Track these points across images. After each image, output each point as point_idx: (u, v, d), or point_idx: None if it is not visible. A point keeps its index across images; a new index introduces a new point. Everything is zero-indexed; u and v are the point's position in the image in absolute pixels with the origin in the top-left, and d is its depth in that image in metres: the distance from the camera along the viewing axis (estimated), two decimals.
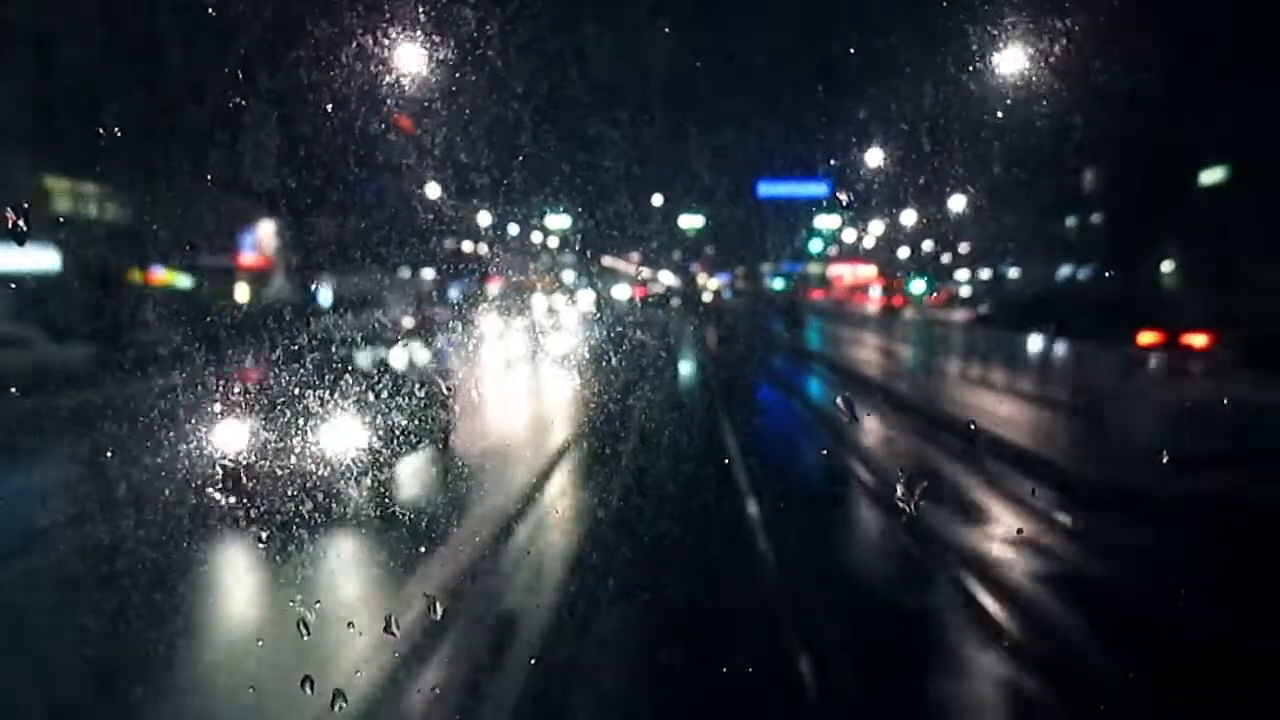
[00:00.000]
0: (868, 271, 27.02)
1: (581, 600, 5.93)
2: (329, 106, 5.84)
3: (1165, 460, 5.96)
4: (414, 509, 6.09)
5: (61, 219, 6.77)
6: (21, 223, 3.82)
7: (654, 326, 13.89)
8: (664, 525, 6.01)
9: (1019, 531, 7.44)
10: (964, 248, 30.64)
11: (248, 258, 8.64)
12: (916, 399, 13.76)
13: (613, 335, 9.02)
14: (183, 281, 7.66)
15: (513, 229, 10.68)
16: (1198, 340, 11.64)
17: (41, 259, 6.91)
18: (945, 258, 32.62)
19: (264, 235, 8.67)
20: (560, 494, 8.51)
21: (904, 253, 29.46)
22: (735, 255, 22.56)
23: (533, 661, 5.05)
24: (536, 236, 11.80)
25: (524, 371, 10.86)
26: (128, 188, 6.51)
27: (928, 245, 29.33)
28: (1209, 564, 5.80)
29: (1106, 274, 17.42)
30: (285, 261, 8.90)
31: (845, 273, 27.08)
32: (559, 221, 11.66)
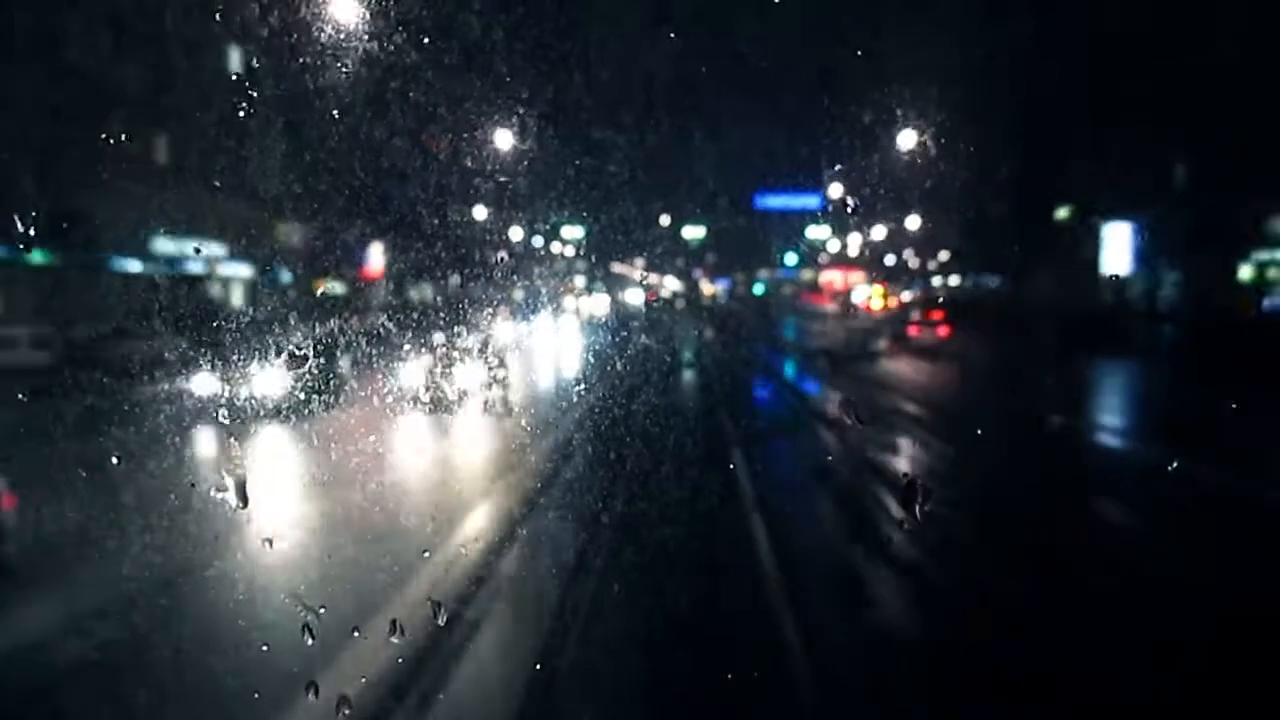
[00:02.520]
0: (856, 277, 30.41)
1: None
2: (416, 155, 8.56)
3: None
4: None
5: (274, 247, 10.87)
6: (29, 230, 4.14)
7: (662, 324, 18.17)
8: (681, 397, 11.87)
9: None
10: (944, 255, 33.55)
11: (369, 271, 12.81)
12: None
13: (630, 328, 12.43)
14: (336, 289, 11.81)
15: (537, 241, 13.46)
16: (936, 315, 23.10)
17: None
18: (931, 265, 35.37)
19: (374, 254, 12.81)
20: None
21: (890, 259, 32.29)
22: (735, 262, 25.31)
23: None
24: (555, 247, 14.15)
25: (558, 350, 14.37)
26: (307, 223, 10.63)
27: (910, 253, 32.20)
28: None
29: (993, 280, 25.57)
30: (388, 273, 12.97)
31: (836, 278, 30.39)
32: (574, 232, 13.42)
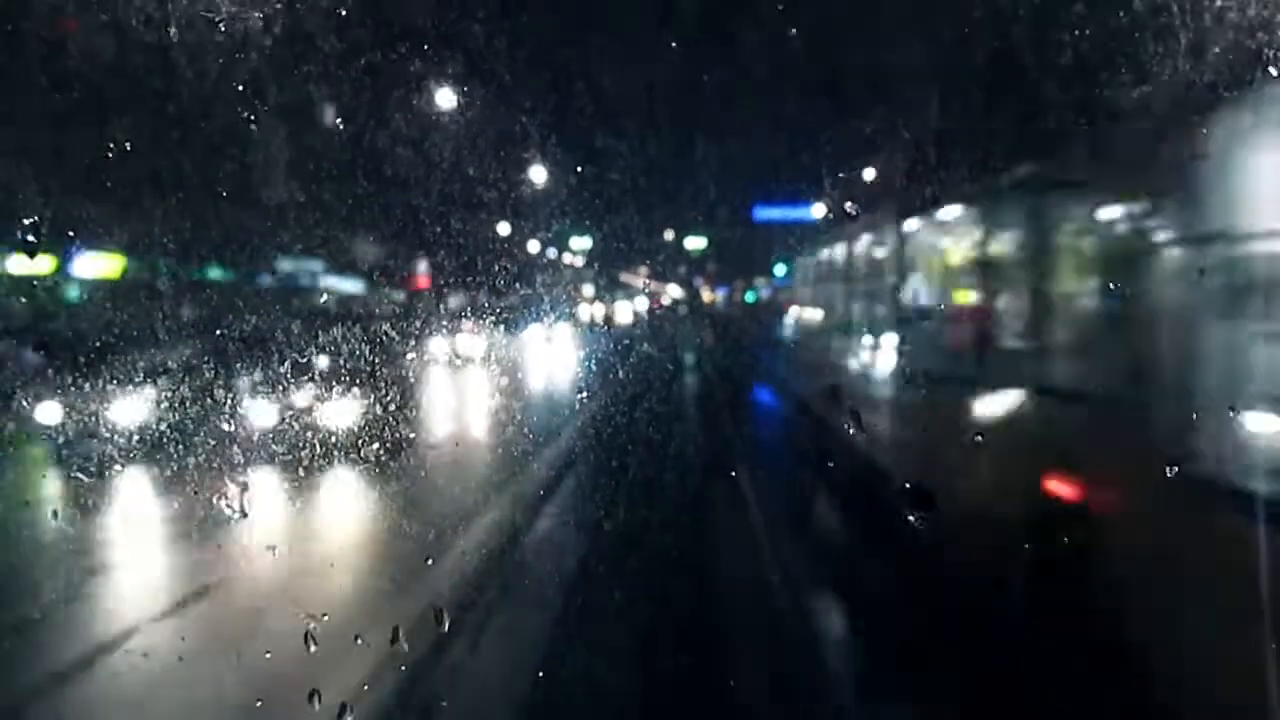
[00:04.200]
0: None
1: None
2: (453, 182, 9.98)
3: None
4: None
5: (354, 260, 13.89)
6: (33, 238, 4.26)
7: (665, 329, 21.08)
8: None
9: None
10: None
11: (418, 282, 15.81)
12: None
13: (634, 336, 14.54)
14: (398, 296, 14.77)
15: (551, 252, 15.79)
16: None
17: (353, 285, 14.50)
18: None
19: (421, 267, 15.76)
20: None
21: None
22: (736, 270, 26.61)
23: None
24: (566, 258, 16.42)
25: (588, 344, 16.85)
26: (380, 242, 13.59)
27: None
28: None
29: None
30: (433, 283, 15.87)
31: None
32: (581, 243, 15.61)
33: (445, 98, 9.89)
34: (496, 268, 12.47)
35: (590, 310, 19.36)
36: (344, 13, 7.23)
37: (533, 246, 14.63)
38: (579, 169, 11.67)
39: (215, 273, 12.05)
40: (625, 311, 20.22)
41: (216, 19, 6.32)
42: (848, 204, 11.99)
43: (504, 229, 12.78)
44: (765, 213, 25.39)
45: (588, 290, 17.87)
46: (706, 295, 26.01)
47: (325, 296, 14.68)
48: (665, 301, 23.41)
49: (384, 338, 7.25)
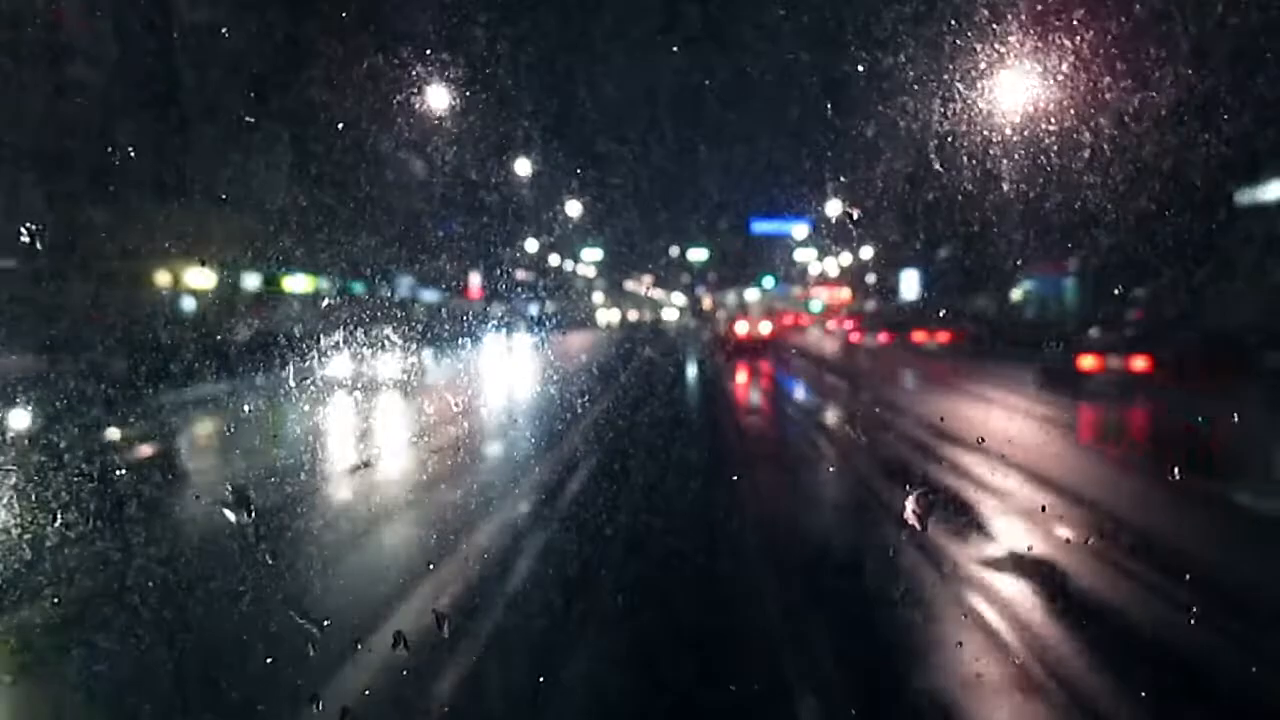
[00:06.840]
0: (843, 294, 33.15)
1: None
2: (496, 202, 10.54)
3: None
4: None
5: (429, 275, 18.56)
6: (36, 242, 4.63)
7: (667, 333, 25.37)
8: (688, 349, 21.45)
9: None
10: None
11: (470, 292, 20.30)
12: None
13: (635, 340, 18.48)
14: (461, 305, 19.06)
15: (568, 265, 19.20)
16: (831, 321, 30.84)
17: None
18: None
19: (474, 280, 20.23)
20: None
21: (871, 278, 36.90)
22: (737, 279, 28.24)
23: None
24: (580, 269, 19.72)
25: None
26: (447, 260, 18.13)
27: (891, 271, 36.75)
28: None
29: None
30: (484, 294, 20.48)
31: (823, 295, 32.97)
32: (592, 254, 18.56)
33: (503, 150, 11.22)
34: (531, 279, 16.82)
35: (608, 315, 23.49)
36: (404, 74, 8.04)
37: (554, 259, 18.70)
38: (593, 188, 13.54)
39: (358, 287, 16.70)
40: (671, 314, 24.06)
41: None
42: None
43: (532, 246, 17.17)
44: (760, 225, 28.50)
45: (599, 298, 21.92)
46: (707, 302, 29.12)
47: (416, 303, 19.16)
48: (666, 314, 26.83)
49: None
